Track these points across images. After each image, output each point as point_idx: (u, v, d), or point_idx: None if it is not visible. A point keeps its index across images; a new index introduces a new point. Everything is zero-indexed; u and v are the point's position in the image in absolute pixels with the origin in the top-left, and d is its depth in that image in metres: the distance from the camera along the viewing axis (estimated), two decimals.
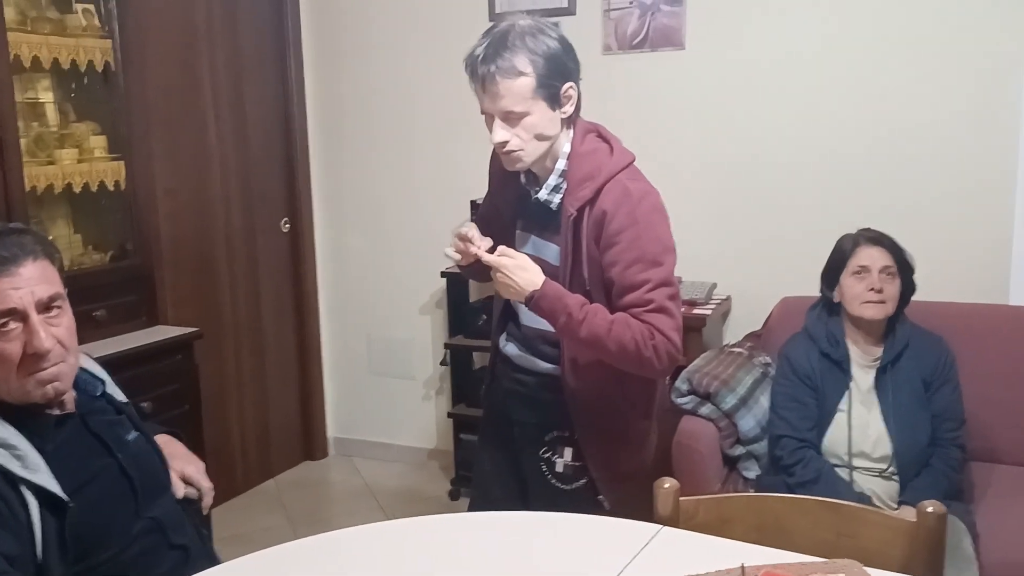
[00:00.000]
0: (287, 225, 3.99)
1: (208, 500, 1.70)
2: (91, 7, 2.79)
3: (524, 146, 1.82)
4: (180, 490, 1.64)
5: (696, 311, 3.12)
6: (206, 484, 1.70)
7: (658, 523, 1.52)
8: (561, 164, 1.88)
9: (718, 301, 3.25)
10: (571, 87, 1.83)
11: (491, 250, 1.87)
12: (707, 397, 2.63)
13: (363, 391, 4.20)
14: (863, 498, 2.30)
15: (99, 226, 2.97)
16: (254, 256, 3.82)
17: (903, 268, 2.41)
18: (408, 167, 3.89)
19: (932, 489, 2.27)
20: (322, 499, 3.87)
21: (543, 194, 1.90)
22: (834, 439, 2.38)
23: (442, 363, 3.79)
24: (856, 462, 2.36)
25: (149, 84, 3.21)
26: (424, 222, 3.87)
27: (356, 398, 4.22)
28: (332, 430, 4.28)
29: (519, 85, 1.76)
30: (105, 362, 2.59)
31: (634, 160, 1.91)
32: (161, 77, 3.28)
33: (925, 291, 2.61)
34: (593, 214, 1.83)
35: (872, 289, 2.37)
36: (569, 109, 1.85)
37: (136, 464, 1.53)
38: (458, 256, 1.92)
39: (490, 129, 1.83)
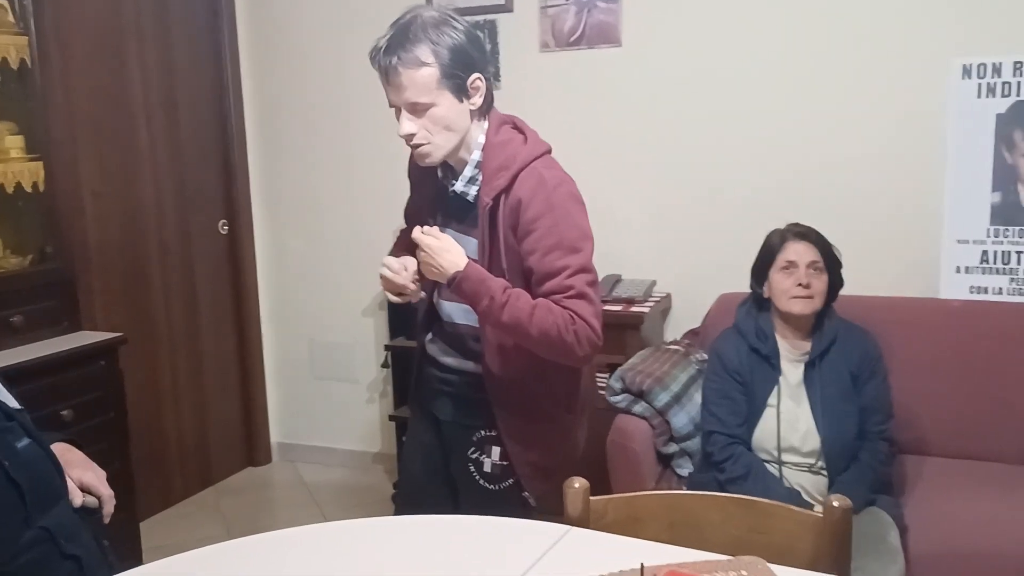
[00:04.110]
0: (225, 227, 3.92)
1: (109, 508, 1.64)
2: (5, 3, 2.70)
3: (431, 139, 1.81)
4: (77, 498, 1.58)
5: (634, 309, 3.10)
6: (106, 492, 1.64)
7: (567, 524, 1.49)
8: (476, 155, 1.87)
9: (657, 299, 3.24)
10: (478, 78, 1.81)
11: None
12: (640, 395, 2.62)
13: (306, 395, 4.14)
14: (792, 493, 2.30)
15: (17, 229, 2.88)
16: (190, 259, 3.74)
17: (830, 263, 2.41)
18: (347, 168, 3.85)
19: (859, 483, 2.28)
20: (263, 506, 3.80)
21: (459, 186, 1.89)
22: (763, 434, 2.37)
23: (383, 365, 3.74)
24: (785, 457, 2.35)
25: (73, 83, 3.13)
26: (363, 223, 3.83)
27: (299, 403, 4.16)
28: (275, 435, 4.21)
29: (421, 76, 1.74)
30: (21, 369, 2.55)
31: (550, 150, 1.90)
32: (86, 75, 3.20)
33: (857, 286, 2.62)
34: (509, 202, 1.81)
35: (800, 284, 2.36)
36: (478, 100, 1.83)
37: (26, 472, 1.46)
38: (398, 298, 1.92)
39: (399, 122, 1.80)
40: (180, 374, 3.73)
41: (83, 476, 1.62)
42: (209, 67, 3.79)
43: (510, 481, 1.98)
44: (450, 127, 1.81)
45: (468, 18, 3.38)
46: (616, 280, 3.26)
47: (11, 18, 2.71)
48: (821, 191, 3.09)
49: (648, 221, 3.36)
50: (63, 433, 1.82)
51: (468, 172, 1.88)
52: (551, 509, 1.78)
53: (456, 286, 1.79)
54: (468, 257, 1.87)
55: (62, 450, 1.65)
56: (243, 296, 4.01)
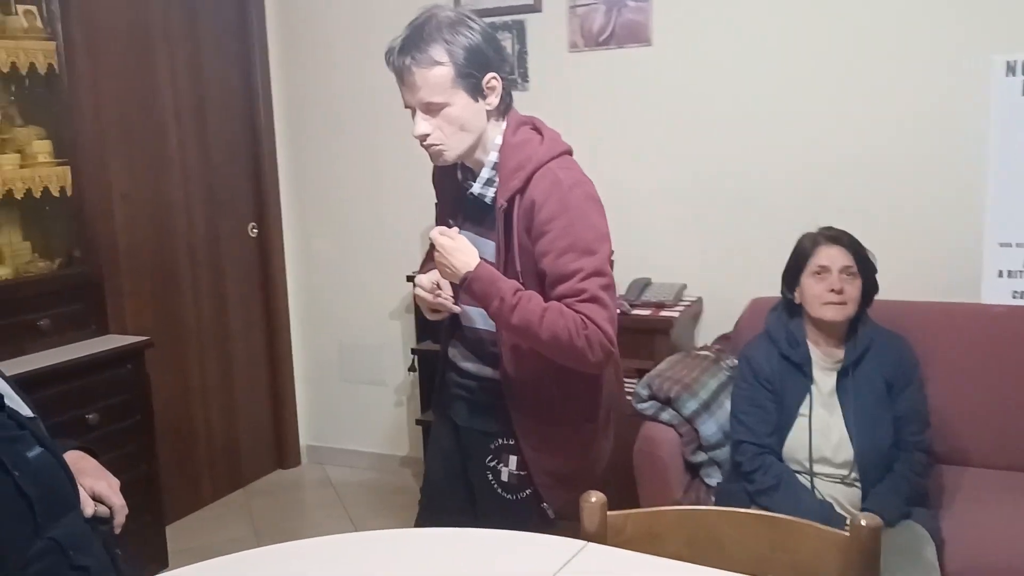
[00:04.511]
0: (255, 230, 3.92)
1: (120, 518, 1.62)
2: (33, 9, 2.72)
3: (446, 139, 1.79)
4: (89, 508, 1.57)
5: (663, 313, 3.04)
6: (118, 502, 1.62)
7: (584, 539, 1.44)
8: (493, 156, 1.84)
9: (688, 303, 3.18)
10: (493, 78, 1.79)
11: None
12: (667, 402, 2.56)
13: (335, 398, 4.13)
14: (824, 505, 2.23)
15: (45, 233, 2.90)
16: (219, 262, 3.75)
17: (864, 268, 2.34)
18: (377, 170, 3.83)
19: (894, 495, 2.21)
20: (291, 509, 3.79)
21: (476, 188, 1.87)
22: (794, 444, 2.30)
23: (410, 369, 3.72)
24: (817, 468, 2.28)
25: (102, 86, 3.14)
26: (392, 226, 3.81)
27: (328, 405, 4.16)
28: (304, 438, 4.21)
29: (435, 75, 1.72)
30: (48, 372, 2.56)
31: (569, 151, 1.87)
32: (114, 80, 3.22)
33: (896, 290, 2.55)
34: (523, 204, 1.78)
35: (832, 290, 2.29)
36: (494, 100, 1.81)
37: (36, 482, 1.45)
38: (435, 315, 1.92)
39: (414, 123, 1.79)
40: (210, 376, 3.74)
41: (95, 485, 1.61)
42: (238, 69, 3.80)
43: (528, 491, 1.94)
44: (465, 127, 1.78)
45: (496, 19, 3.42)
46: (645, 283, 3.20)
47: (39, 24, 2.73)
48: (857, 193, 3.00)
49: (679, 223, 3.30)
50: (81, 439, 1.80)
51: (485, 174, 1.86)
52: (574, 516, 1.73)
53: (467, 286, 1.77)
54: (485, 260, 1.85)
55: (76, 458, 1.64)
56: (273, 298, 4.01)
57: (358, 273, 3.95)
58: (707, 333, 3.27)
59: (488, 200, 1.86)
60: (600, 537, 1.45)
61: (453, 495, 2.09)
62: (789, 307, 2.42)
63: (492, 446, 1.96)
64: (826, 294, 2.29)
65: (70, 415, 2.63)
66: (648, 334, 3.00)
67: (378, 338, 3.96)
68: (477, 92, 1.77)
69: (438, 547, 1.48)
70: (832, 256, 2.32)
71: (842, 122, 3.02)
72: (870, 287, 2.35)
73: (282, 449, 4.13)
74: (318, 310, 4.09)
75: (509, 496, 1.95)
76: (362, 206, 3.89)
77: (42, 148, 2.76)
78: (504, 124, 1.85)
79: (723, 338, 3.07)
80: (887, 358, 2.31)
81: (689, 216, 3.28)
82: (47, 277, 2.82)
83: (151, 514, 2.92)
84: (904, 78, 2.92)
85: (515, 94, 3.55)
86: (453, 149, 1.81)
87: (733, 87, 3.15)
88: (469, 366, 2.00)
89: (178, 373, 3.56)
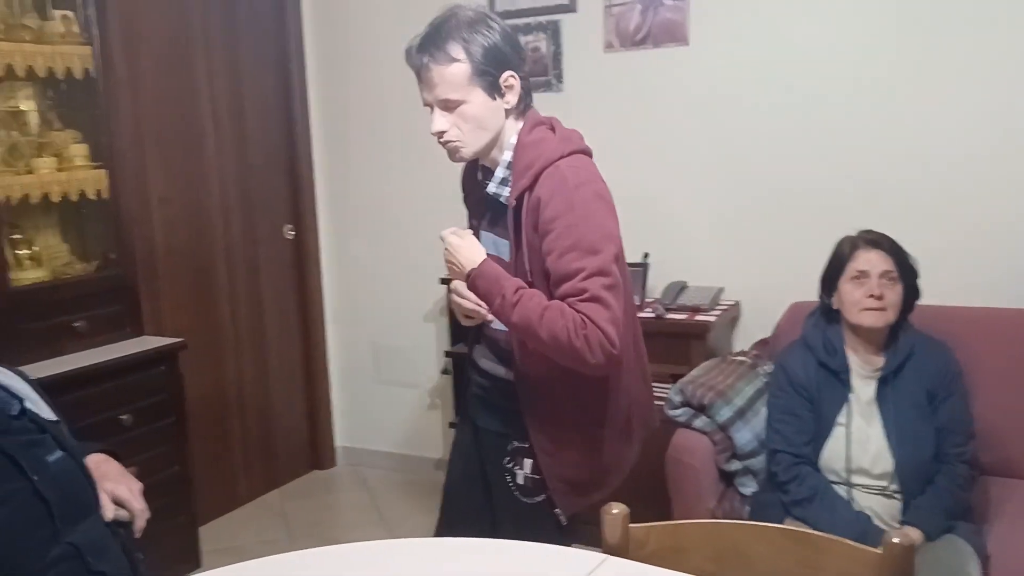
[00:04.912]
0: (291, 232, 3.94)
1: (140, 523, 1.62)
2: (70, 13, 2.75)
3: (463, 137, 1.79)
4: (109, 512, 1.57)
5: (699, 318, 2.98)
6: (138, 506, 1.62)
7: (604, 552, 1.40)
8: (507, 156, 1.83)
9: (725, 307, 3.11)
10: (511, 76, 1.78)
11: None
12: (701, 409, 2.51)
13: (370, 400, 4.13)
14: (861, 517, 2.16)
15: (82, 236, 2.94)
16: (256, 264, 3.77)
17: (905, 272, 2.26)
18: (412, 172, 3.82)
19: (936, 508, 2.13)
20: (325, 511, 3.80)
21: (492, 187, 1.86)
22: (832, 454, 2.23)
23: (444, 372, 3.70)
24: (855, 479, 2.21)
25: (140, 91, 3.18)
26: (427, 228, 3.77)
27: (363, 407, 4.16)
28: (340, 439, 4.22)
29: (452, 72, 1.72)
30: (83, 374, 2.59)
31: (582, 150, 1.84)
32: (152, 84, 3.25)
33: (939, 295, 2.46)
34: (530, 202, 1.77)
35: (871, 295, 2.22)
36: (512, 99, 1.80)
37: (56, 486, 1.45)
38: (468, 321, 1.93)
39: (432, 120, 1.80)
40: (246, 377, 3.76)
41: (116, 489, 1.60)
42: (276, 72, 3.81)
43: (542, 496, 1.93)
44: (482, 125, 1.78)
45: (531, 19, 3.39)
46: (681, 287, 3.14)
47: (76, 29, 2.76)
48: (904, 194, 2.91)
49: (716, 226, 3.23)
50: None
51: (500, 173, 1.85)
52: (592, 520, 1.69)
53: (471, 283, 1.77)
54: (503, 260, 1.84)
55: (98, 461, 1.64)
56: (308, 300, 4.02)
57: (393, 275, 3.95)
58: (745, 338, 3.20)
59: (503, 199, 1.85)
60: (621, 550, 1.41)
61: (471, 496, 2.08)
62: (827, 313, 2.35)
63: (508, 448, 1.95)
64: (865, 300, 2.22)
65: (105, 416, 2.65)
66: (683, 339, 2.95)
67: (412, 340, 3.95)
68: (494, 90, 1.77)
69: (456, 557, 1.46)
70: (871, 260, 2.24)
71: (884, 123, 2.93)
72: (911, 293, 2.27)
73: (317, 450, 4.14)
74: (353, 312, 4.09)
75: (525, 499, 1.94)
76: (397, 208, 3.88)
77: (79, 152, 2.80)
78: (521, 123, 1.84)
79: (761, 343, 3.01)
80: (929, 366, 2.23)
81: (727, 219, 3.22)
82: (84, 279, 2.85)
83: (184, 514, 2.94)
84: (948, 77, 2.82)
85: (550, 95, 3.53)
86: (470, 146, 1.80)
87: (772, 87, 3.08)
88: (486, 364, 2.00)
89: (214, 374, 3.59)
